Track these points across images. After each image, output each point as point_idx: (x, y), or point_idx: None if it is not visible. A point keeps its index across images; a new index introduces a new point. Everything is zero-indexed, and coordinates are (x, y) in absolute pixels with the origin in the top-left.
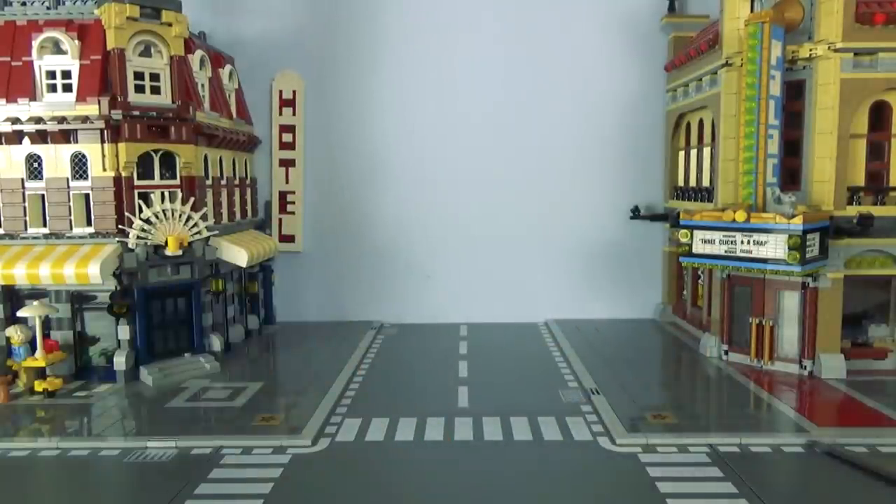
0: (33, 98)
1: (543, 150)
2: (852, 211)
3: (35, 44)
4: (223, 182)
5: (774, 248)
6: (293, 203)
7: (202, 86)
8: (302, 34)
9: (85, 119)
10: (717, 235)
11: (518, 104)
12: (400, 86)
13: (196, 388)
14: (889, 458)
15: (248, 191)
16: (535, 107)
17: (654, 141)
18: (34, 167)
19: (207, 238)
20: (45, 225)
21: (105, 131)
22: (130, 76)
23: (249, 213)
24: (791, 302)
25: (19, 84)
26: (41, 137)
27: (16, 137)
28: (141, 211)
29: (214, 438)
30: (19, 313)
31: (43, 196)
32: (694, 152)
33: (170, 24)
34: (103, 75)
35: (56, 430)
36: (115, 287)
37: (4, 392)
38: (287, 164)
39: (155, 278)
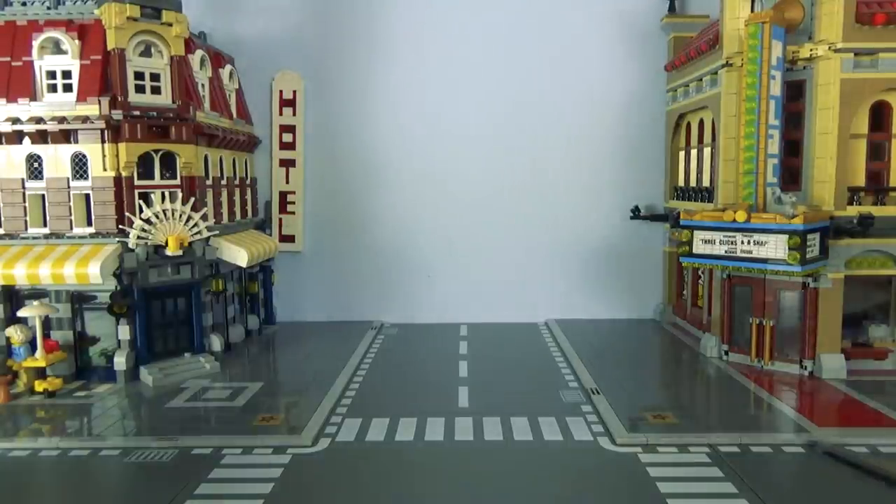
0: (34, 98)
1: (544, 149)
2: (852, 211)
3: (35, 44)
4: (223, 182)
5: (775, 248)
6: (293, 203)
7: (202, 86)
8: (302, 34)
9: (85, 119)
10: (717, 236)
11: (518, 104)
12: (399, 86)
13: (196, 388)
14: (889, 458)
15: (248, 191)
16: (535, 106)
17: (654, 141)
18: (34, 167)
19: (207, 238)
20: (45, 225)
21: (105, 131)
22: (130, 76)
23: (249, 213)
24: (791, 302)
25: (20, 84)
26: (41, 137)
27: (16, 137)
28: (141, 211)
29: (214, 438)
30: (19, 313)
31: (43, 196)
32: (694, 152)
33: (170, 24)
34: (103, 75)
35: (56, 430)
36: (116, 287)
37: (4, 392)
38: (287, 164)
39: (155, 278)
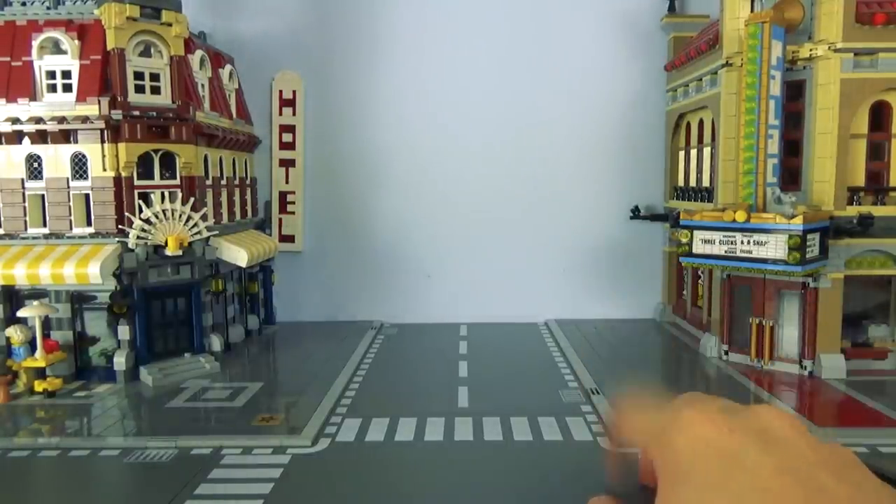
0: (33, 98)
1: (543, 149)
2: (852, 211)
3: (35, 44)
4: (223, 182)
5: (774, 248)
6: (293, 203)
7: (202, 86)
8: (302, 34)
9: (85, 119)
10: (717, 236)
11: (518, 104)
12: (399, 86)
13: (196, 389)
14: (889, 458)
15: (248, 191)
16: (534, 106)
17: (654, 141)
18: (34, 167)
19: (207, 238)
20: (45, 225)
21: (105, 131)
22: (130, 76)
23: (249, 213)
24: (791, 302)
25: (19, 84)
26: (41, 137)
27: (16, 137)
28: (141, 211)
29: (214, 438)
30: (19, 313)
31: (43, 196)
32: (694, 152)
33: (170, 24)
34: (103, 75)
35: (56, 430)
36: (115, 287)
37: (4, 392)
38: (287, 164)
39: (155, 278)
